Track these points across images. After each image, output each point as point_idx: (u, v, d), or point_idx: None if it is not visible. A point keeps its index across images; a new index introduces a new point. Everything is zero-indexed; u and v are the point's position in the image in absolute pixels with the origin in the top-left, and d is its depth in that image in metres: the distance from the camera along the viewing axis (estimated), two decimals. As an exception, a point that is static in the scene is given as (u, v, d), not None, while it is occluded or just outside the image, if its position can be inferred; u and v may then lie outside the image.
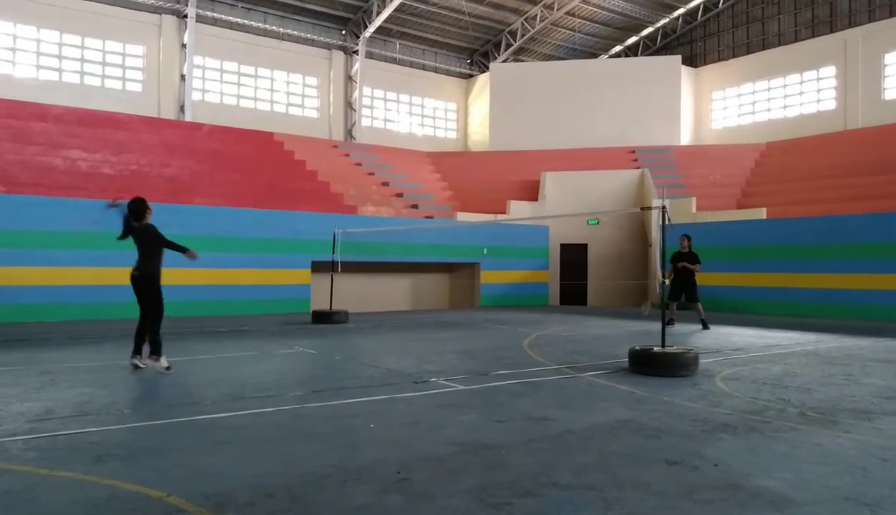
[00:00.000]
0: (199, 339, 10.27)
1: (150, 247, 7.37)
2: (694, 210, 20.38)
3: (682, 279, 12.96)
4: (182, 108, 23.76)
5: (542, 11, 28.54)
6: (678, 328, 12.56)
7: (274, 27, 25.83)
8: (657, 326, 8.30)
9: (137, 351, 7.37)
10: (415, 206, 21.23)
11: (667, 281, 7.81)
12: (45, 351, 8.86)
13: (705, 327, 12.62)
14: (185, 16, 23.53)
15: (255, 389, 6.25)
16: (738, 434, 4.68)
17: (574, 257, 21.60)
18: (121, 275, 13.44)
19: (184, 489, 3.45)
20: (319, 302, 15.60)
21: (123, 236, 7.51)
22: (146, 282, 7.32)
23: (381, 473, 3.76)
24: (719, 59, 30.48)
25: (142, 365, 7.26)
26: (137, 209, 7.44)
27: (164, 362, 7.22)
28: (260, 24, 25.56)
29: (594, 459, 4.09)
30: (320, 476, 3.70)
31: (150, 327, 7.32)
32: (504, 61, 30.40)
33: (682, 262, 12.94)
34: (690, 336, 11.47)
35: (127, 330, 11.08)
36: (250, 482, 3.60)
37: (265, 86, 26.23)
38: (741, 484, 3.61)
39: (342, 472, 3.77)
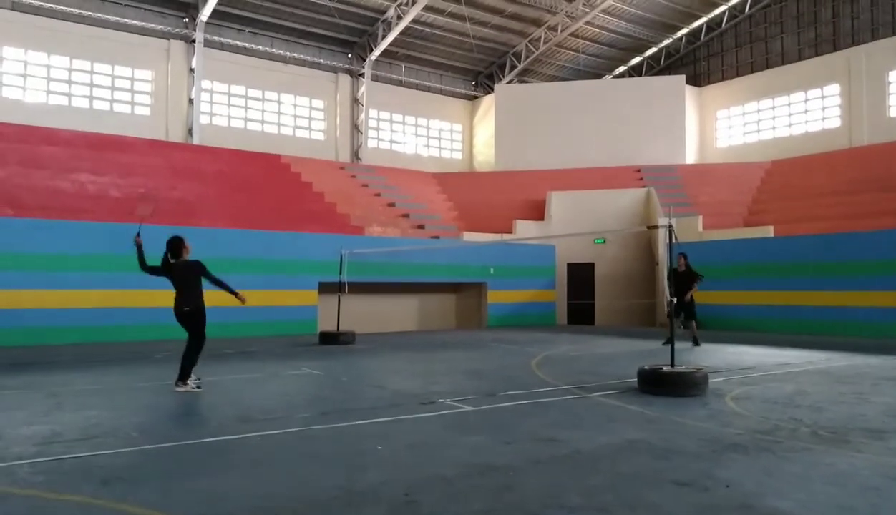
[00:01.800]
0: (205, 361, 10.22)
1: (193, 280, 7.60)
2: (700, 228, 20.35)
3: (680, 298, 12.81)
4: (190, 132, 23.98)
5: (546, 33, 28.78)
6: (686, 346, 12.47)
7: (281, 51, 26.12)
8: (666, 345, 8.24)
9: (183, 378, 7.68)
10: (421, 227, 21.28)
11: (674, 300, 7.76)
12: (52, 373, 8.87)
13: (696, 344, 12.71)
14: (193, 41, 23.84)
15: (261, 411, 6.23)
16: (750, 455, 4.63)
17: (581, 276, 21.57)
18: (128, 298, 13.59)
19: (191, 512, 3.43)
20: (326, 323, 15.59)
21: (154, 271, 7.63)
22: (197, 316, 7.61)
23: (388, 495, 3.73)
24: (723, 79, 30.60)
25: (186, 390, 7.50)
26: (174, 246, 7.65)
27: (191, 384, 7.53)
28: (267, 49, 25.85)
29: (604, 480, 4.05)
30: (327, 499, 3.67)
31: (188, 353, 7.57)
32: (509, 82, 30.62)
33: (690, 291, 12.74)
34: (700, 355, 11.40)
35: (134, 352, 11.11)
36: (257, 504, 3.57)
37: (272, 110, 26.46)
38: (753, 505, 3.56)
39: (349, 494, 3.74)
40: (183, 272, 7.60)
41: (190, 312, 7.57)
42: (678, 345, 12.51)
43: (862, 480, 4.02)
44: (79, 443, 4.92)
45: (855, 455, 4.60)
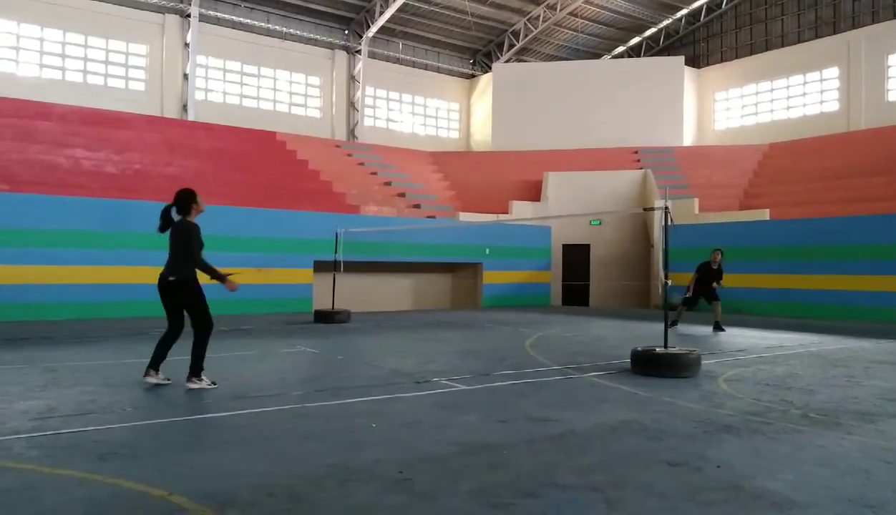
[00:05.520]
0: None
1: (183, 247, 6.24)
2: (696, 211, 20.36)
3: (704, 288, 12.87)
4: (185, 108, 23.79)
5: (544, 12, 28.53)
6: (681, 328, 12.55)
7: (277, 27, 25.85)
8: (660, 327, 8.28)
9: (154, 366, 6.33)
10: (417, 206, 21.23)
11: (669, 282, 7.77)
12: (47, 349, 8.87)
13: (719, 328, 12.43)
14: (189, 15, 23.57)
15: (256, 388, 6.25)
16: (741, 436, 4.67)
17: (576, 258, 21.59)
18: (124, 274, 13.55)
19: (186, 488, 3.45)
20: (321, 302, 15.60)
21: (162, 229, 6.40)
22: (179, 288, 6.21)
23: (382, 473, 3.76)
24: (722, 60, 30.44)
25: (157, 382, 6.27)
26: (182, 201, 6.37)
27: (206, 381, 6.19)
28: (263, 24, 25.58)
29: (596, 460, 4.08)
30: (321, 476, 3.70)
31: (194, 343, 6.20)
32: (507, 61, 30.40)
33: (715, 283, 12.78)
34: (694, 337, 11.46)
35: (130, 328, 11.11)
36: (252, 481, 3.60)
37: (268, 86, 26.25)
38: (743, 486, 3.60)
39: (343, 472, 3.77)
40: (177, 233, 6.28)
41: (177, 282, 6.18)
42: (689, 329, 12.67)
43: (851, 462, 4.07)
44: (75, 418, 4.93)
45: (845, 437, 4.65)
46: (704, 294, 12.90)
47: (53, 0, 21.53)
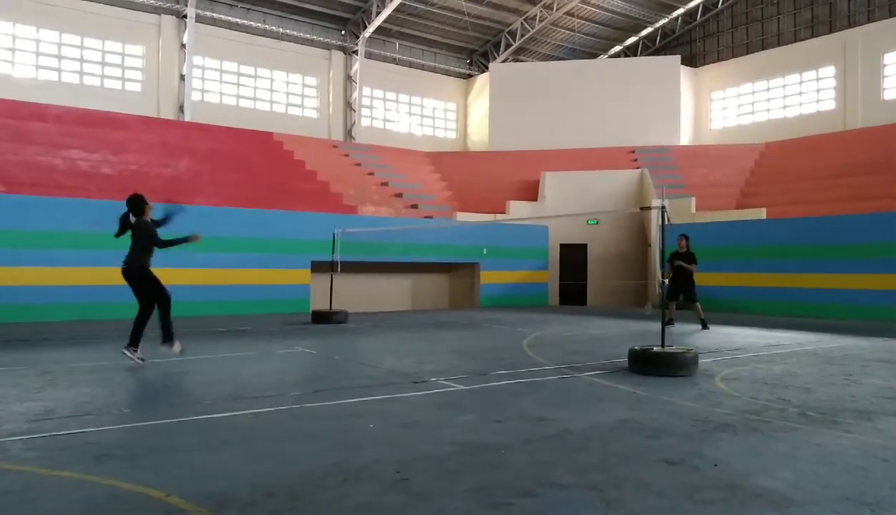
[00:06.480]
0: (198, 339, 10.25)
1: (143, 243, 7.55)
2: (693, 210, 20.39)
3: (680, 279, 12.95)
4: (181, 109, 23.75)
5: (541, 11, 28.55)
6: (678, 328, 12.56)
7: (273, 27, 25.83)
8: (657, 326, 8.29)
9: (133, 343, 7.47)
10: (414, 206, 21.23)
11: (666, 281, 7.79)
12: (44, 351, 8.85)
13: (704, 327, 12.59)
14: (185, 16, 23.53)
15: (254, 389, 6.25)
16: (739, 434, 4.68)
17: (573, 257, 21.61)
18: (118, 276, 13.48)
19: (183, 489, 3.45)
20: (319, 302, 15.59)
21: (120, 233, 7.69)
22: (137, 273, 7.50)
23: (380, 473, 3.76)
24: (719, 60, 30.49)
25: (132, 358, 7.40)
26: (136, 204, 7.60)
27: (177, 347, 7.60)
28: (259, 24, 25.56)
29: (594, 459, 4.09)
30: (320, 476, 3.70)
31: (160, 315, 7.55)
32: (503, 61, 30.41)
33: (679, 261, 12.93)
34: (690, 336, 11.47)
35: (126, 329, 11.07)
36: (250, 481, 3.59)
37: (265, 87, 26.23)
38: (741, 484, 3.61)
39: (342, 472, 3.77)
40: (136, 231, 7.58)
41: (127, 271, 7.49)
42: (684, 328, 12.69)
43: (849, 460, 4.08)
44: (72, 420, 4.92)
45: (843, 436, 4.66)
46: (681, 285, 12.94)
47: (49, 1, 21.48)
